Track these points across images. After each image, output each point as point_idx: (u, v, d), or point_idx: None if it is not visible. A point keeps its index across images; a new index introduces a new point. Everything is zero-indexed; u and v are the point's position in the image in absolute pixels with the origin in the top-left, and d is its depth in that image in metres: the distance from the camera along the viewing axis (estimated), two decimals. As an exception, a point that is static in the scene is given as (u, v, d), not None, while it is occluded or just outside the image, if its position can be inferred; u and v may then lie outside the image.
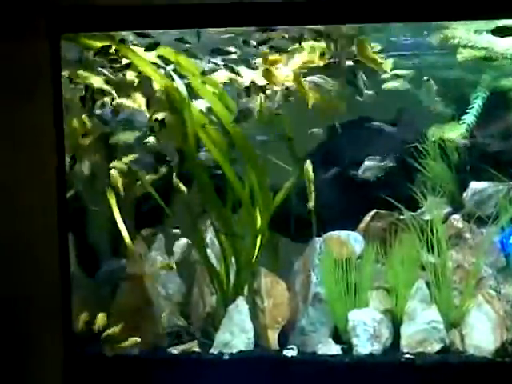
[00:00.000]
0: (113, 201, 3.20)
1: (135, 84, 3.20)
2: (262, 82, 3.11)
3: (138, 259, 3.18)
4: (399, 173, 3.39)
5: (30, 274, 2.94)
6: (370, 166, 3.26)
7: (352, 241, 3.18)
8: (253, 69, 3.15)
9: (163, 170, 3.35)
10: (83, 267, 3.30)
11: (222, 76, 3.17)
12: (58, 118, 2.91)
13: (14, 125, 2.86)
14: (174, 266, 3.20)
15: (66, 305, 2.97)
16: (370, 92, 3.19)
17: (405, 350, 2.96)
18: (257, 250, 3.21)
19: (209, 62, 3.14)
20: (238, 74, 3.11)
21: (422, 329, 2.97)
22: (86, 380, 2.97)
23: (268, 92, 3.14)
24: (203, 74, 3.12)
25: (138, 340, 3.00)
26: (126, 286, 3.15)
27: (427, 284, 3.06)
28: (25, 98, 2.86)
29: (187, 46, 3.09)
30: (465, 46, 3.17)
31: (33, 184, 2.93)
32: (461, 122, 3.31)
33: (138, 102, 3.20)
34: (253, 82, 3.09)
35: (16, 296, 2.92)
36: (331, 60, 3.15)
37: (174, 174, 3.24)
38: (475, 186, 3.25)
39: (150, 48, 3.03)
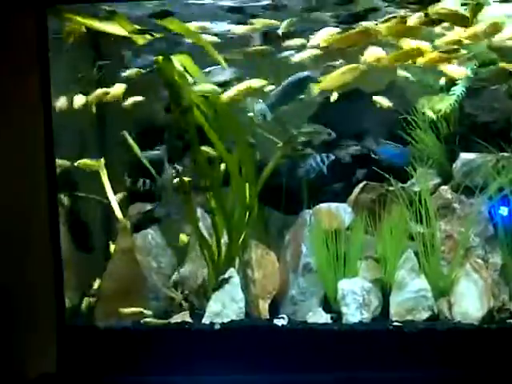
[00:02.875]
0: (104, 176, 3.23)
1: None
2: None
3: (130, 233, 3.22)
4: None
5: (22, 249, 2.99)
6: None
7: (341, 212, 3.21)
8: None
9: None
10: (75, 241, 3.32)
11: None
12: (46, 92, 2.93)
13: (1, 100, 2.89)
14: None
15: (58, 279, 3.01)
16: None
17: (394, 318, 3.00)
18: (247, 223, 3.23)
19: None
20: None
21: (411, 297, 3.01)
22: (79, 352, 3.01)
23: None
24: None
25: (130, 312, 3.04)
26: (117, 259, 3.18)
27: (416, 254, 3.09)
28: (12, 72, 2.88)
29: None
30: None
31: (22, 161, 2.96)
32: (450, 93, 3.32)
33: None
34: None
35: (8, 270, 2.96)
36: None
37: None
38: (464, 156, 3.27)
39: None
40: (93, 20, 3.08)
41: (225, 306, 3.03)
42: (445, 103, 3.32)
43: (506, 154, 3.18)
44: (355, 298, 3.00)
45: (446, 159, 3.35)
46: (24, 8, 2.85)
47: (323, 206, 3.22)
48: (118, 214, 3.21)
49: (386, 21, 3.00)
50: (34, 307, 2.99)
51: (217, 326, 2.98)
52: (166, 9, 3.00)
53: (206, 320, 3.03)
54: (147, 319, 3.03)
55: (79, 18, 3.05)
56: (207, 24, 3.19)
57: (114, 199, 3.26)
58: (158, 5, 3.04)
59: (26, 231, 2.98)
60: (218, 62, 3.11)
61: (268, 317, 3.08)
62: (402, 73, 3.36)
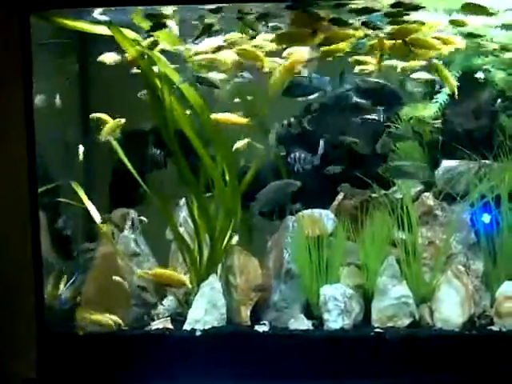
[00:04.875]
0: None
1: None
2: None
3: (111, 239, 3.20)
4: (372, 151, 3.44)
5: (2, 253, 2.96)
6: None
7: (324, 219, 3.21)
8: None
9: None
10: (56, 247, 3.31)
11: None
12: (29, 100, 2.92)
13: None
14: None
15: (38, 285, 2.99)
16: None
17: (375, 325, 3.00)
18: (230, 229, 3.22)
19: None
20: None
21: (393, 304, 3.01)
22: (59, 358, 2.99)
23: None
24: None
25: (112, 319, 3.02)
26: (99, 265, 3.16)
27: (398, 260, 3.09)
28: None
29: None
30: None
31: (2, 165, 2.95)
32: (433, 101, 3.34)
33: None
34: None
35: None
36: None
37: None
38: (446, 164, 3.29)
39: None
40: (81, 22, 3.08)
41: (206, 313, 3.02)
42: (428, 111, 3.35)
43: (487, 162, 3.20)
44: (337, 305, 2.99)
45: (428, 166, 3.37)
46: (6, 12, 2.84)
47: (306, 212, 3.22)
48: (98, 220, 3.20)
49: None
50: (14, 313, 2.97)
51: (198, 333, 2.97)
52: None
53: (187, 326, 3.02)
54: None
55: (67, 21, 3.04)
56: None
57: (91, 206, 3.26)
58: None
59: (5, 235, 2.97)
60: None
61: (249, 323, 3.07)
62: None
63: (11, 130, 2.95)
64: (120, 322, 3.02)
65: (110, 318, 3.00)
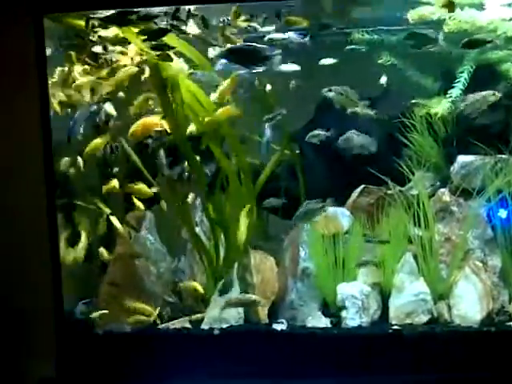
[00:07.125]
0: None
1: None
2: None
3: (128, 239, 3.21)
4: (387, 148, 3.43)
5: (21, 254, 2.99)
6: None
7: (340, 216, 3.20)
8: None
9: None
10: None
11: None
12: (44, 100, 2.93)
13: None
14: None
15: (57, 285, 3.01)
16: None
17: (393, 322, 3.00)
18: (246, 228, 3.22)
19: None
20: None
21: (410, 301, 3.01)
22: (78, 357, 3.01)
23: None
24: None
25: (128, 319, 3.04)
26: (117, 265, 3.18)
27: (415, 257, 3.09)
28: (9, 81, 2.89)
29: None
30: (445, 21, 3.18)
31: (20, 168, 2.97)
32: (447, 96, 3.32)
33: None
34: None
35: (8, 278, 2.97)
36: None
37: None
38: (462, 159, 3.27)
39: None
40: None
41: (224, 311, 3.02)
42: (442, 106, 3.33)
43: (503, 156, 3.18)
44: (354, 302, 2.99)
45: (444, 162, 3.36)
46: (21, 14, 2.85)
47: (322, 209, 3.21)
48: (115, 221, 3.21)
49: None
50: (33, 312, 2.99)
51: (216, 332, 2.98)
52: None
53: (205, 325, 3.03)
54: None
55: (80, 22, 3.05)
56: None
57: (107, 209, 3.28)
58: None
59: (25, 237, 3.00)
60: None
61: (267, 322, 3.08)
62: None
63: (27, 131, 2.97)
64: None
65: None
